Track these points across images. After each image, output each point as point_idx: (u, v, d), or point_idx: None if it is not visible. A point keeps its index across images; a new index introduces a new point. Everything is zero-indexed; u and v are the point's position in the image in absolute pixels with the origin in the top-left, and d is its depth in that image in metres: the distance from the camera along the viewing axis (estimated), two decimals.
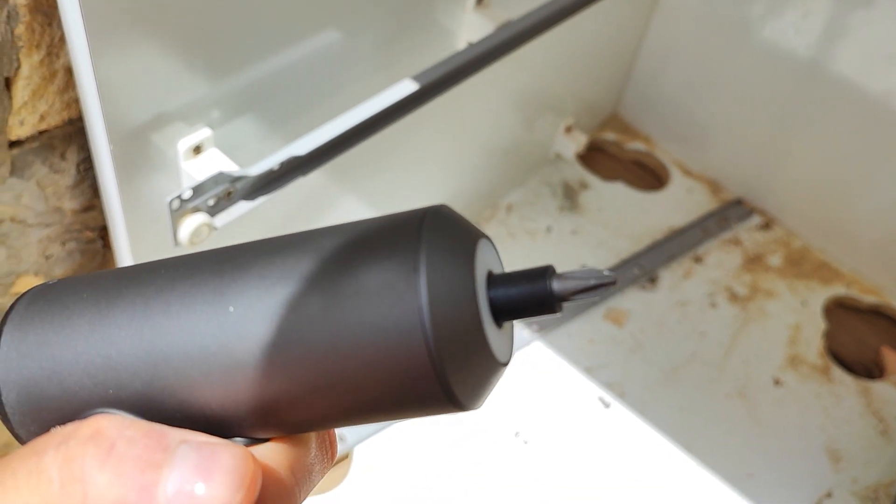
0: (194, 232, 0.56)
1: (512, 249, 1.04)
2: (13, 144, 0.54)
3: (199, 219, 0.56)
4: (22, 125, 0.53)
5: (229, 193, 0.57)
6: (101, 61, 0.47)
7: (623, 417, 0.89)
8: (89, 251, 0.65)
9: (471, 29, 0.77)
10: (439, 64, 0.68)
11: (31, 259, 0.60)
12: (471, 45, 0.71)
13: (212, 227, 0.57)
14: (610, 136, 1.19)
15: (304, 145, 0.60)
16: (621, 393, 0.91)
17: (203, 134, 0.58)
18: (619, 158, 1.19)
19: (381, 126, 0.64)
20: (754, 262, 1.06)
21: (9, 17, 0.48)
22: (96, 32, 0.46)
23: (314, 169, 0.62)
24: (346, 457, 0.84)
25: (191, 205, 0.55)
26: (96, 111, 0.50)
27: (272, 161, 0.58)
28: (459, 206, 1.01)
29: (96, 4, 0.45)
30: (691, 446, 0.87)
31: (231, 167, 0.58)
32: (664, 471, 0.85)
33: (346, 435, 0.85)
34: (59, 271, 0.63)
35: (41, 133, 0.55)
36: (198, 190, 0.55)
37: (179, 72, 0.54)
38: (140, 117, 0.53)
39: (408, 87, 0.65)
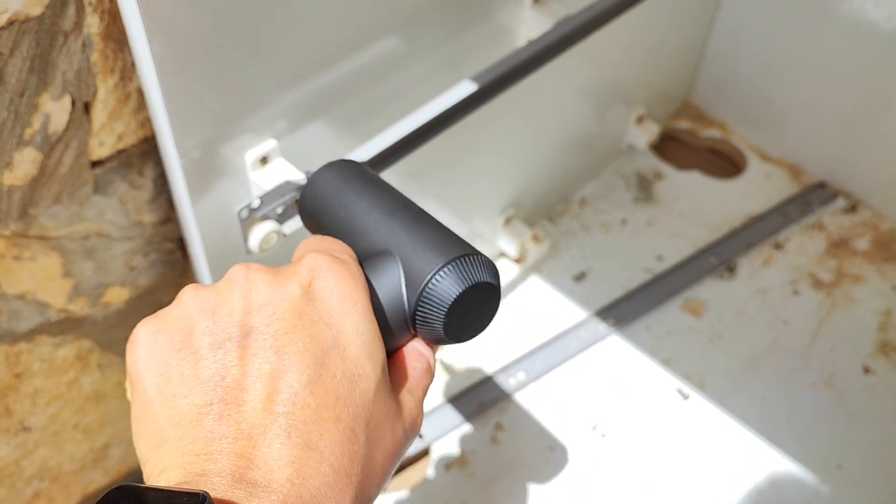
0: (264, 239, 0.58)
1: (587, 243, 1.04)
2: (95, 164, 0.58)
3: (267, 227, 0.58)
4: (101, 146, 0.57)
5: (296, 201, 0.60)
6: (167, 83, 0.50)
7: (703, 409, 0.88)
8: (170, 261, 0.68)
9: (530, 25, 0.77)
10: (499, 62, 0.68)
11: (118, 271, 0.64)
12: (530, 42, 0.71)
13: (281, 234, 0.59)
14: (683, 124, 1.17)
15: (366, 151, 0.61)
16: (700, 384, 0.90)
17: (269, 145, 0.60)
18: (693, 147, 1.17)
19: (444, 127, 0.65)
20: (839, 246, 1.03)
21: (84, 45, 0.51)
22: (162, 56, 0.49)
23: (379, 173, 0.63)
24: (425, 453, 0.86)
25: (259, 213, 0.57)
26: (166, 130, 0.53)
27: None
28: (531, 203, 1.02)
29: (161, 30, 0.48)
30: (775, 437, 0.85)
31: (297, 176, 0.61)
32: (747, 463, 0.84)
33: (424, 431, 0.86)
34: (143, 281, 0.67)
35: (119, 152, 0.58)
36: (265, 199, 0.57)
37: (244, 86, 0.56)
38: (208, 132, 0.56)
39: (468, 88, 0.66)
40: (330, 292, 0.35)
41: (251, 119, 0.58)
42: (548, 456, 0.85)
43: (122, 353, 0.71)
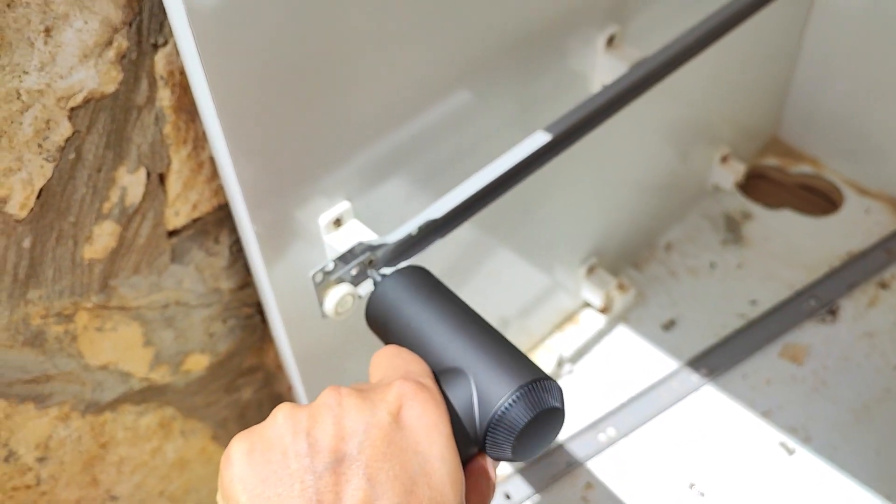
0: (339, 302, 0.57)
1: (675, 289, 1.00)
2: (171, 234, 0.58)
3: (342, 289, 0.57)
4: (177, 216, 0.57)
5: (371, 262, 0.59)
6: (237, 152, 0.50)
7: (810, 464, 0.82)
8: (249, 326, 0.68)
9: (604, 70, 0.75)
10: (573, 110, 0.67)
11: (197, 338, 0.64)
12: (605, 88, 0.69)
13: (356, 297, 0.58)
14: (771, 161, 1.13)
15: (439, 208, 0.60)
16: (806, 438, 0.84)
17: (342, 207, 0.60)
18: (783, 184, 1.12)
19: (518, 179, 0.64)
20: None
21: (157, 118, 0.52)
22: (231, 126, 0.49)
23: (452, 230, 0.62)
24: None
25: (334, 276, 0.56)
26: (238, 198, 0.53)
27: (410, 227, 0.59)
28: (614, 250, 0.99)
29: (230, 100, 0.48)
30: (892, 495, 0.79)
31: (370, 236, 0.60)
32: None
33: (510, 492, 0.83)
34: (222, 347, 0.67)
35: (195, 221, 0.59)
36: (339, 261, 0.56)
37: (316, 150, 0.56)
38: (280, 198, 0.55)
39: (542, 138, 0.64)
40: (417, 421, 0.37)
41: (323, 182, 0.58)
42: None
43: (204, 419, 0.71)
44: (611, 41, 0.74)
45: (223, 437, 0.73)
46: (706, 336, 0.95)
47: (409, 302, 0.49)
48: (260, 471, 0.34)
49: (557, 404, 0.41)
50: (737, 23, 0.76)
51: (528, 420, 0.40)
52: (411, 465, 0.35)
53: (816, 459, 0.82)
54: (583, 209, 0.89)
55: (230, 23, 0.45)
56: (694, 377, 0.90)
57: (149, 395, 0.64)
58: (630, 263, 1.03)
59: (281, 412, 0.37)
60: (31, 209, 0.49)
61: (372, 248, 0.58)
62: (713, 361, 0.92)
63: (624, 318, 0.98)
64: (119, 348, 0.60)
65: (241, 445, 0.36)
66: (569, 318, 0.99)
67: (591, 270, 0.96)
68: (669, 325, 0.97)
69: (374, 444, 0.35)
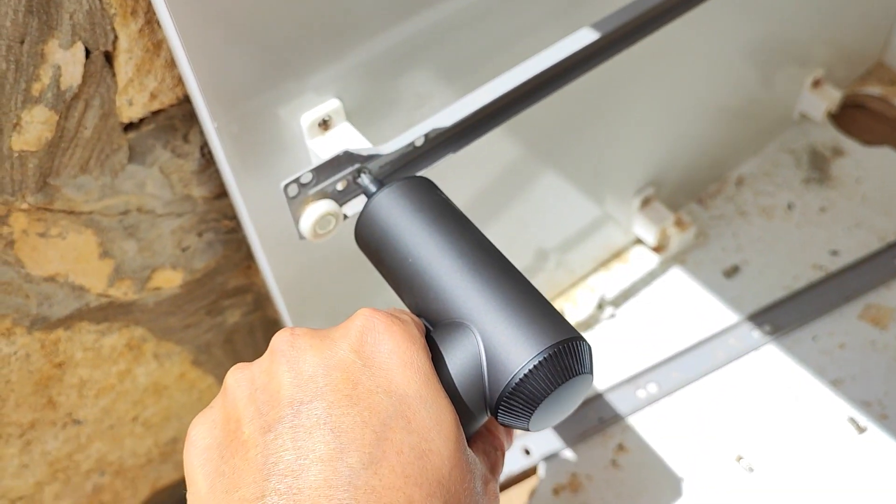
0: (318, 222, 0.47)
1: (742, 231, 0.87)
2: (127, 128, 0.49)
3: (323, 207, 0.47)
4: (131, 105, 0.48)
5: (359, 176, 0.48)
6: (187, 26, 0.40)
7: (883, 445, 0.70)
8: (231, 241, 0.59)
9: None
10: (629, 6, 0.54)
11: (166, 252, 0.56)
12: None
13: (340, 217, 0.48)
14: (873, 89, 0.97)
15: (450, 115, 0.49)
16: (881, 414, 0.72)
17: (330, 105, 0.49)
18: (885, 117, 0.96)
19: (553, 87, 0.52)
20: None
21: None
22: None
23: (466, 143, 0.51)
24: (531, 473, 0.74)
25: (312, 190, 0.46)
26: (194, 86, 0.43)
27: (411, 135, 0.48)
28: (675, 181, 0.86)
29: None
30: None
31: (362, 144, 0.49)
32: None
33: (531, 447, 0.74)
34: (199, 264, 0.58)
35: (155, 113, 0.49)
36: (320, 172, 0.46)
37: (299, 30, 0.45)
38: (250, 89, 0.45)
39: (586, 37, 0.52)
40: (388, 357, 0.32)
41: (308, 74, 0.47)
42: (678, 488, 0.70)
43: (182, 343, 0.63)
44: None
45: (206, 362, 0.66)
46: (774, 288, 0.82)
47: (409, 228, 0.40)
48: (216, 446, 0.31)
49: (589, 371, 0.35)
50: None
51: (553, 390, 0.34)
52: (383, 409, 0.30)
53: (891, 441, 0.70)
54: (642, 131, 0.77)
55: None
56: (755, 334, 0.79)
57: (111, 313, 0.56)
58: (693, 198, 0.91)
59: (231, 376, 0.33)
60: None
61: (362, 158, 0.47)
62: (780, 318, 0.79)
63: (680, 259, 0.86)
64: (69, 258, 0.51)
65: (199, 427, 0.32)
66: (616, 255, 0.88)
67: (645, 202, 0.83)
68: (732, 272, 0.84)
69: (336, 388, 0.31)
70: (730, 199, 0.90)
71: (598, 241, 0.84)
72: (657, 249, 0.86)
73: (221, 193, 0.55)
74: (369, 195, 0.45)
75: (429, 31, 0.52)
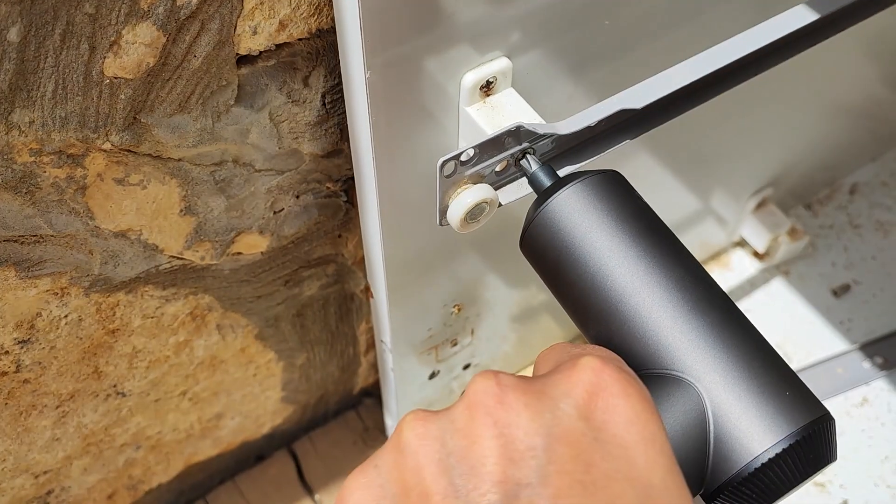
0: (471, 210, 0.38)
1: (855, 245, 0.79)
2: (242, 61, 0.39)
3: (479, 193, 0.37)
4: (255, 34, 0.38)
5: (523, 157, 0.39)
6: None
7: None
8: (330, 207, 0.49)
9: None
10: None
11: (257, 213, 0.46)
12: None
13: (495, 206, 0.39)
14: None
15: (643, 95, 0.39)
16: None
17: (498, 65, 0.40)
18: None
19: (759, 69, 0.43)
20: None
21: None
22: None
23: (649, 129, 0.41)
24: None
25: (471, 170, 0.37)
26: (353, 19, 0.33)
27: (594, 114, 0.39)
28: (792, 181, 0.77)
29: None
30: None
31: (533, 118, 0.40)
32: None
33: None
34: (290, 230, 0.49)
35: (280, 47, 0.39)
36: (483, 150, 0.37)
37: None
38: (415, 33, 0.35)
39: (803, 16, 0.43)
40: (625, 430, 0.25)
41: (477, 21, 0.37)
42: None
43: (250, 315, 0.53)
44: None
45: (271, 337, 0.57)
46: (889, 314, 0.74)
47: (602, 240, 0.32)
48: None
49: (835, 458, 0.29)
50: None
51: (796, 485, 0.28)
52: (625, 501, 0.24)
53: None
54: (759, 127, 0.67)
55: None
56: (865, 365, 0.71)
57: (180, 277, 0.47)
58: (802, 202, 0.82)
59: (410, 428, 0.25)
60: None
61: (537, 136, 0.38)
62: (894, 350, 0.71)
63: (785, 270, 0.78)
64: (146, 212, 0.42)
65: (361, 491, 0.25)
66: (714, 256, 0.79)
67: (761, 205, 0.74)
68: (842, 291, 0.76)
69: (564, 469, 0.24)
70: (842, 207, 0.82)
71: (697, 238, 0.75)
72: (761, 256, 0.77)
73: (335, 152, 0.46)
74: (540, 187, 0.36)
75: None
